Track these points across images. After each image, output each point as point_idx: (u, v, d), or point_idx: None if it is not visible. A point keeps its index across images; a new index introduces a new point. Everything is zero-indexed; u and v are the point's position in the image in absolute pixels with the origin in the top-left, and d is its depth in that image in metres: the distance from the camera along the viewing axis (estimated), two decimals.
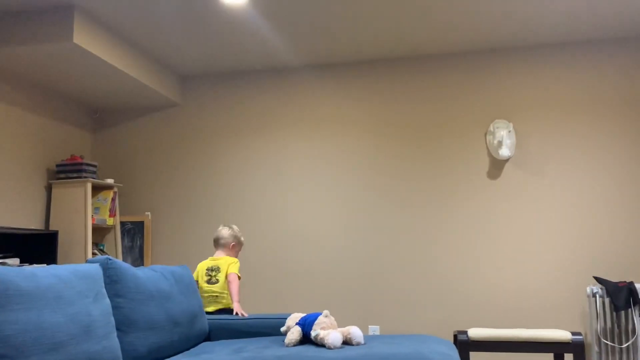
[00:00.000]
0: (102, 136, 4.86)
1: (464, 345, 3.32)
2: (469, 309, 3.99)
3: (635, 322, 3.53)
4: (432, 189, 4.17)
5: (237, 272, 3.17)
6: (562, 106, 4.04)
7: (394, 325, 4.11)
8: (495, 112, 4.13)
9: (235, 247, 3.38)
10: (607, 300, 3.58)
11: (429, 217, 4.15)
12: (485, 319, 3.96)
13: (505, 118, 4.09)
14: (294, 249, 4.35)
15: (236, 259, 3.26)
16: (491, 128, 4.07)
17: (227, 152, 4.58)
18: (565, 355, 3.59)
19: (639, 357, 3.44)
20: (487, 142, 4.10)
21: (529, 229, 3.99)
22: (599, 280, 3.66)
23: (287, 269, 4.35)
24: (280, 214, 4.42)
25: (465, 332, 3.38)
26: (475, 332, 3.35)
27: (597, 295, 3.59)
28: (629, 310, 3.55)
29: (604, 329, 3.58)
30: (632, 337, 3.54)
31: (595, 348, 3.57)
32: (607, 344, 3.56)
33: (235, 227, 3.44)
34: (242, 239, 3.44)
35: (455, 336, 3.50)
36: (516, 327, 3.81)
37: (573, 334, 3.27)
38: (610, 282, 3.59)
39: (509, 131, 3.97)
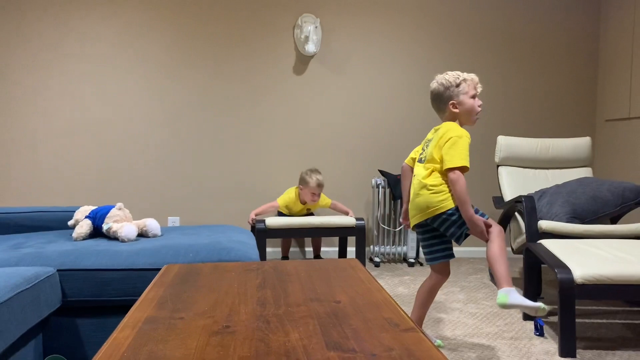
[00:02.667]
0: None
1: (262, 233, 3.49)
2: (269, 199, 4.16)
3: None
4: (240, 84, 4.09)
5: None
6: (366, 3, 4.17)
7: (194, 216, 4.11)
8: (303, 6, 4.11)
9: (302, 189, 3.82)
10: (387, 190, 4.02)
11: (234, 111, 4.10)
12: None
13: (313, 13, 4.10)
14: (87, 139, 3.98)
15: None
16: (299, 22, 4.05)
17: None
18: (349, 238, 4.01)
19: (408, 237, 4.00)
20: (295, 36, 4.10)
21: (326, 124, 4.20)
22: (382, 173, 4.07)
23: (78, 161, 3.99)
24: (76, 102, 3.96)
25: (263, 221, 3.53)
26: (272, 221, 3.53)
27: (380, 186, 4.01)
28: None
29: (383, 215, 4.06)
30: None
31: (374, 232, 4.05)
32: (384, 227, 4.05)
33: (303, 173, 3.87)
34: (307, 178, 3.76)
35: (253, 225, 3.65)
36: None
37: (357, 219, 3.65)
38: (392, 174, 4.03)
39: (316, 27, 4.01)
